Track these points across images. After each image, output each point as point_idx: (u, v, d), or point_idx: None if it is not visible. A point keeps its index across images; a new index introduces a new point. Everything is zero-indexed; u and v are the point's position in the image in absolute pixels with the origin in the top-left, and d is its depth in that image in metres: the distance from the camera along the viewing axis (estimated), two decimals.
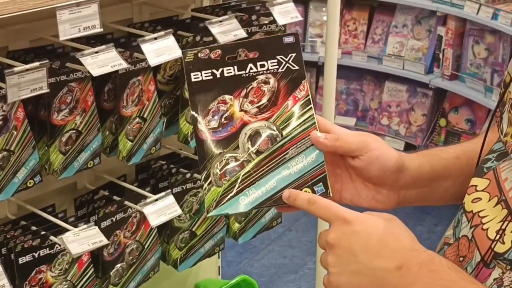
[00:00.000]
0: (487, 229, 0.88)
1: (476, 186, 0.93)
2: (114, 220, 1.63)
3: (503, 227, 0.85)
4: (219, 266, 2.26)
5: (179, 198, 1.73)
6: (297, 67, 0.97)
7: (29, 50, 1.57)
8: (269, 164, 0.93)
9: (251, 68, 0.96)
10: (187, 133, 1.71)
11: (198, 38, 1.66)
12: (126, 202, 1.66)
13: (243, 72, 0.95)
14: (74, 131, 1.53)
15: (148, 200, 1.62)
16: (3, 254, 1.52)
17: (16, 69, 1.35)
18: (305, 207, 0.89)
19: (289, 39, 0.97)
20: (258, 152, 0.93)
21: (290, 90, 0.96)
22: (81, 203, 1.73)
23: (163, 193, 1.64)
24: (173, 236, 1.79)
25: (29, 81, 1.37)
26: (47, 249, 1.52)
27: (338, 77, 4.08)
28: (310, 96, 0.98)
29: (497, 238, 0.85)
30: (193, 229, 1.82)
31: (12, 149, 1.45)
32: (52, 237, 1.53)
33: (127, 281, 1.71)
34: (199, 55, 0.94)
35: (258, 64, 0.95)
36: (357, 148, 0.96)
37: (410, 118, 3.96)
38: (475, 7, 3.45)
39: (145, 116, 1.63)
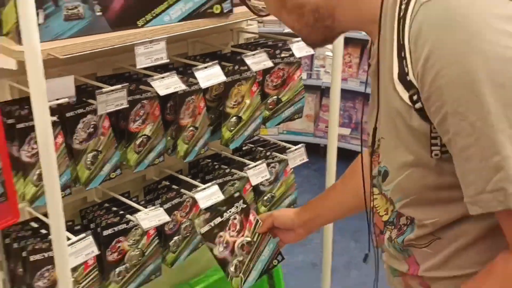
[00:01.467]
0: (379, 211, 1.00)
1: (373, 192, 1.02)
2: (173, 204, 1.64)
3: (386, 207, 0.97)
4: None
5: (221, 187, 1.72)
6: (245, 206, 1.56)
7: (112, 76, 1.59)
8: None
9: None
10: (227, 138, 1.71)
11: (236, 67, 1.67)
12: (182, 190, 1.66)
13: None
14: (145, 136, 1.54)
15: (198, 189, 1.62)
16: (92, 228, 1.53)
17: (104, 90, 1.36)
18: None
19: (237, 195, 1.59)
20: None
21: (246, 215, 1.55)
22: (149, 190, 1.74)
23: (209, 184, 1.64)
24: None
25: (113, 99, 1.38)
26: (124, 224, 1.54)
27: None
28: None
29: (383, 213, 0.97)
30: None
31: (100, 149, 1.46)
32: (128, 216, 1.54)
33: (183, 250, 1.71)
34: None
35: None
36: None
37: None
38: None
39: (196, 125, 1.63)
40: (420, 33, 0.74)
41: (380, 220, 0.98)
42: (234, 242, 1.55)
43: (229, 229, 1.54)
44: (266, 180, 1.82)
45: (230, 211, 1.52)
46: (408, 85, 0.78)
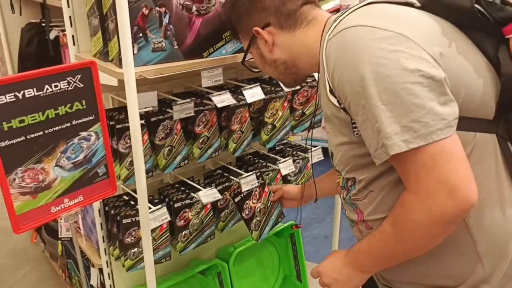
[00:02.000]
0: (338, 183, 1.04)
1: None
2: (224, 186, 1.64)
3: (340, 179, 1.02)
4: None
5: (258, 176, 1.70)
6: None
7: (184, 93, 1.60)
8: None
9: None
10: (264, 140, 1.70)
11: (272, 88, 1.65)
12: (231, 177, 1.67)
13: None
14: (206, 137, 1.55)
15: (242, 176, 1.62)
16: (167, 202, 1.55)
17: (178, 102, 1.38)
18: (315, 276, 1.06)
19: None
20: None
21: None
22: (207, 176, 1.74)
23: (250, 173, 1.64)
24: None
25: (184, 109, 1.40)
26: (189, 200, 1.55)
27: None
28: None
29: (340, 183, 1.02)
30: None
31: (173, 145, 1.48)
32: (192, 193, 1.56)
33: (230, 220, 1.71)
34: None
35: None
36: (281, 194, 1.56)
37: None
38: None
39: (243, 130, 1.62)
40: (328, 57, 0.85)
41: (339, 188, 1.04)
42: (255, 207, 1.64)
43: (252, 198, 1.63)
44: (292, 172, 1.81)
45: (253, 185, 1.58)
46: (334, 94, 0.88)
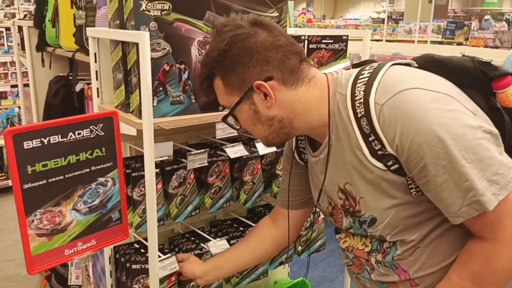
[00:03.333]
0: (357, 247, 1.02)
1: (340, 237, 1.07)
2: (234, 235, 1.63)
3: (363, 241, 1.01)
4: (288, 272, 2.20)
5: None
6: None
7: (198, 144, 1.64)
8: None
9: None
10: (276, 192, 1.71)
11: None
12: (241, 228, 1.67)
13: None
14: (218, 187, 1.57)
15: (251, 228, 1.62)
16: (176, 252, 1.54)
17: (192, 152, 1.43)
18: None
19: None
20: None
21: None
22: (214, 225, 1.74)
23: None
24: None
25: (198, 159, 1.44)
26: (199, 250, 1.56)
27: None
28: None
29: (362, 247, 1.01)
30: None
31: (186, 194, 1.50)
32: (201, 244, 1.56)
33: (245, 277, 1.68)
34: None
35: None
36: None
37: None
38: None
39: (254, 181, 1.65)
40: (390, 122, 0.83)
41: (361, 252, 1.01)
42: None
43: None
44: (303, 226, 1.80)
45: None
46: (380, 157, 0.87)
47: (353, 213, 0.97)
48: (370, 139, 0.86)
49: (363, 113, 0.86)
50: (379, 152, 0.86)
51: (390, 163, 0.86)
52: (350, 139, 0.90)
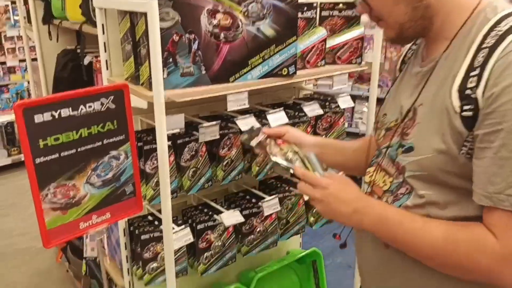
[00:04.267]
0: (377, 183, 0.96)
1: (369, 171, 1.00)
2: (251, 212, 1.64)
3: (384, 179, 0.93)
4: (300, 242, 2.21)
5: (281, 200, 1.72)
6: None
7: (210, 116, 1.63)
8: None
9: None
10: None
11: (296, 113, 1.68)
12: (253, 200, 1.67)
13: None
14: (229, 160, 1.57)
15: (265, 200, 1.63)
16: (190, 223, 1.56)
17: (204, 124, 1.42)
18: (302, 177, 0.95)
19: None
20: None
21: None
22: (228, 198, 1.75)
23: (273, 196, 1.64)
24: (278, 221, 1.77)
25: (209, 132, 1.43)
26: (212, 222, 1.57)
27: None
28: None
29: (382, 184, 0.94)
30: (288, 219, 1.80)
31: (198, 167, 1.50)
32: (215, 216, 1.57)
33: (256, 246, 1.70)
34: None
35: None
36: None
37: None
38: None
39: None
40: (506, 68, 0.74)
41: (379, 189, 0.95)
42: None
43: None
44: None
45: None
46: (463, 97, 0.78)
47: (403, 134, 0.89)
48: (472, 73, 0.77)
49: (491, 44, 0.77)
50: (467, 92, 0.77)
51: (467, 107, 0.77)
52: (454, 64, 0.81)
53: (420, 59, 0.95)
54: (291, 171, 1.01)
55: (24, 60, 4.35)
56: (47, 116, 1.00)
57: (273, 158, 1.06)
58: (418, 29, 0.88)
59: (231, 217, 1.53)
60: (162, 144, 1.22)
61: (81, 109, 1.05)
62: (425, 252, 0.82)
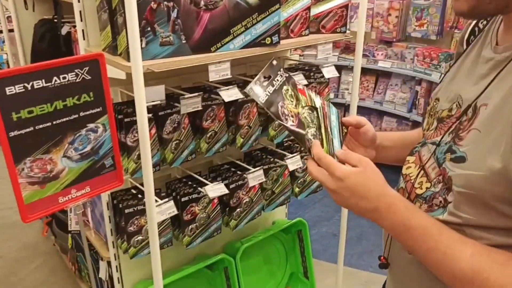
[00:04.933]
0: (413, 182, 0.82)
1: (408, 160, 0.86)
2: (237, 184, 1.64)
3: (421, 180, 0.80)
4: (286, 212, 2.23)
5: (266, 171, 1.72)
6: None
7: (192, 88, 1.60)
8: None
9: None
10: (272, 135, 1.69)
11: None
12: (238, 172, 1.66)
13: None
14: (213, 132, 1.55)
15: (250, 171, 1.62)
16: (174, 196, 1.55)
17: (185, 96, 1.39)
18: (317, 160, 0.78)
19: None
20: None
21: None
22: (213, 170, 1.74)
23: (257, 168, 1.63)
24: (263, 192, 1.77)
25: (192, 103, 1.40)
26: (196, 194, 1.56)
27: (357, 114, 4.05)
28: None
29: (418, 186, 0.81)
30: (274, 189, 1.80)
31: (181, 139, 1.48)
32: (199, 188, 1.56)
33: (243, 218, 1.70)
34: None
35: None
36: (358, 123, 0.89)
37: None
38: (438, 75, 3.32)
39: (250, 125, 1.62)
40: None
41: (412, 189, 0.82)
42: (242, 199, 1.59)
43: (244, 188, 1.56)
44: (300, 168, 1.80)
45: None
46: None
47: (457, 135, 0.75)
48: None
49: None
50: None
51: None
52: None
53: (494, 42, 0.76)
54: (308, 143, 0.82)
55: (1, 32, 4.19)
56: (19, 88, 0.96)
57: (283, 122, 0.82)
58: (501, 5, 0.70)
59: (215, 189, 1.52)
60: (142, 116, 1.19)
61: (55, 80, 1.00)
62: (447, 278, 0.69)
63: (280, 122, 0.82)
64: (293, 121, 0.84)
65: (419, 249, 0.71)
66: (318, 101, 0.88)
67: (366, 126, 0.92)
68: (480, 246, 0.68)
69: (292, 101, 0.86)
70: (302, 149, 1.53)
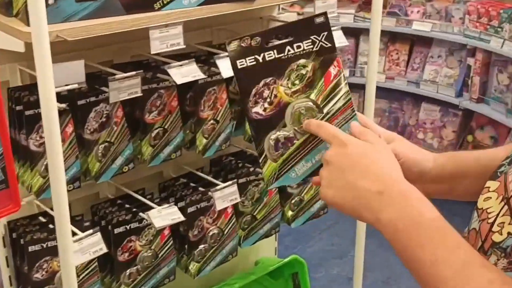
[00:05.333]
0: (491, 222, 0.82)
1: (489, 187, 0.87)
2: (198, 208, 1.63)
3: (503, 221, 0.80)
4: (275, 247, 2.21)
5: (244, 187, 1.71)
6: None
7: (129, 63, 1.59)
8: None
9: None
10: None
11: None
12: (200, 188, 1.66)
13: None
14: (162, 128, 1.54)
15: (218, 188, 1.60)
16: (102, 226, 1.54)
17: (116, 76, 1.37)
18: (315, 130, 0.86)
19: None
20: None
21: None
22: (165, 187, 1.73)
23: (229, 183, 1.62)
24: (238, 219, 1.76)
25: (127, 86, 1.38)
26: (137, 222, 1.54)
27: (382, 98, 4.06)
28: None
29: (497, 230, 0.80)
30: (254, 214, 1.79)
31: (112, 140, 1.47)
32: (141, 213, 1.54)
33: (209, 259, 1.70)
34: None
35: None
36: None
37: (442, 134, 3.87)
38: (500, 42, 3.35)
39: (218, 118, 1.62)
40: None
41: (488, 233, 0.83)
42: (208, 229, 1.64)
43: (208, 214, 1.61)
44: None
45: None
46: None
47: None
48: None
49: None
50: None
51: None
52: None
53: None
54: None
55: None
56: None
57: (245, 104, 0.86)
58: None
59: (165, 215, 1.51)
60: (49, 107, 1.18)
61: None
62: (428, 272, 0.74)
63: (242, 101, 0.84)
64: (265, 109, 0.85)
65: (421, 255, 0.75)
66: (340, 103, 0.87)
67: (396, 142, 0.93)
68: (505, 276, 0.72)
69: (294, 84, 0.86)
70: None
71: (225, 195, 1.62)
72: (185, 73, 1.44)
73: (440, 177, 0.99)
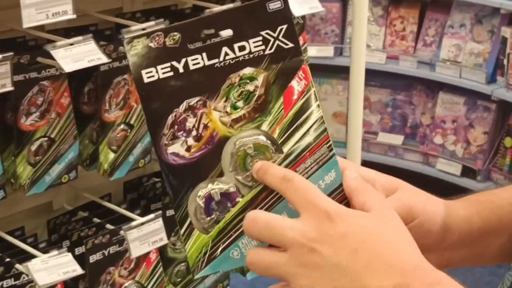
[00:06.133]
0: None
1: None
2: (106, 255, 1.62)
3: None
4: None
5: (174, 222, 1.71)
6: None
7: None
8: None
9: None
10: None
11: None
12: (107, 226, 1.66)
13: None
14: (46, 138, 1.54)
15: (133, 224, 1.61)
16: None
17: None
18: (277, 185, 0.74)
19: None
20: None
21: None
22: (55, 225, 1.73)
23: (152, 215, 1.64)
24: (167, 268, 1.78)
25: None
26: (12, 279, 1.52)
27: (383, 86, 4.09)
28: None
29: None
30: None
31: None
32: (17, 265, 1.52)
33: None
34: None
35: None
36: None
37: (469, 137, 3.91)
38: None
39: (131, 122, 1.64)
40: None
41: None
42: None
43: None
44: None
45: None
46: None
47: None
48: None
49: None
50: None
51: None
52: None
53: None
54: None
55: None
56: None
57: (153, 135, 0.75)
58: None
59: (54, 267, 1.49)
60: None
61: None
62: None
63: (151, 135, 0.74)
64: (189, 149, 0.76)
65: None
66: (310, 136, 0.78)
67: (400, 192, 0.89)
68: None
69: (235, 108, 0.78)
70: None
71: (146, 235, 1.62)
72: (78, 56, 1.43)
73: (465, 239, 0.98)
